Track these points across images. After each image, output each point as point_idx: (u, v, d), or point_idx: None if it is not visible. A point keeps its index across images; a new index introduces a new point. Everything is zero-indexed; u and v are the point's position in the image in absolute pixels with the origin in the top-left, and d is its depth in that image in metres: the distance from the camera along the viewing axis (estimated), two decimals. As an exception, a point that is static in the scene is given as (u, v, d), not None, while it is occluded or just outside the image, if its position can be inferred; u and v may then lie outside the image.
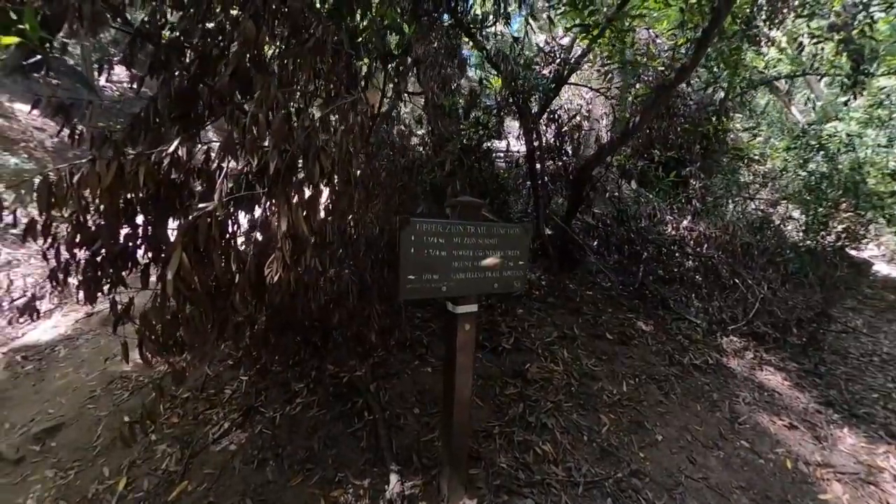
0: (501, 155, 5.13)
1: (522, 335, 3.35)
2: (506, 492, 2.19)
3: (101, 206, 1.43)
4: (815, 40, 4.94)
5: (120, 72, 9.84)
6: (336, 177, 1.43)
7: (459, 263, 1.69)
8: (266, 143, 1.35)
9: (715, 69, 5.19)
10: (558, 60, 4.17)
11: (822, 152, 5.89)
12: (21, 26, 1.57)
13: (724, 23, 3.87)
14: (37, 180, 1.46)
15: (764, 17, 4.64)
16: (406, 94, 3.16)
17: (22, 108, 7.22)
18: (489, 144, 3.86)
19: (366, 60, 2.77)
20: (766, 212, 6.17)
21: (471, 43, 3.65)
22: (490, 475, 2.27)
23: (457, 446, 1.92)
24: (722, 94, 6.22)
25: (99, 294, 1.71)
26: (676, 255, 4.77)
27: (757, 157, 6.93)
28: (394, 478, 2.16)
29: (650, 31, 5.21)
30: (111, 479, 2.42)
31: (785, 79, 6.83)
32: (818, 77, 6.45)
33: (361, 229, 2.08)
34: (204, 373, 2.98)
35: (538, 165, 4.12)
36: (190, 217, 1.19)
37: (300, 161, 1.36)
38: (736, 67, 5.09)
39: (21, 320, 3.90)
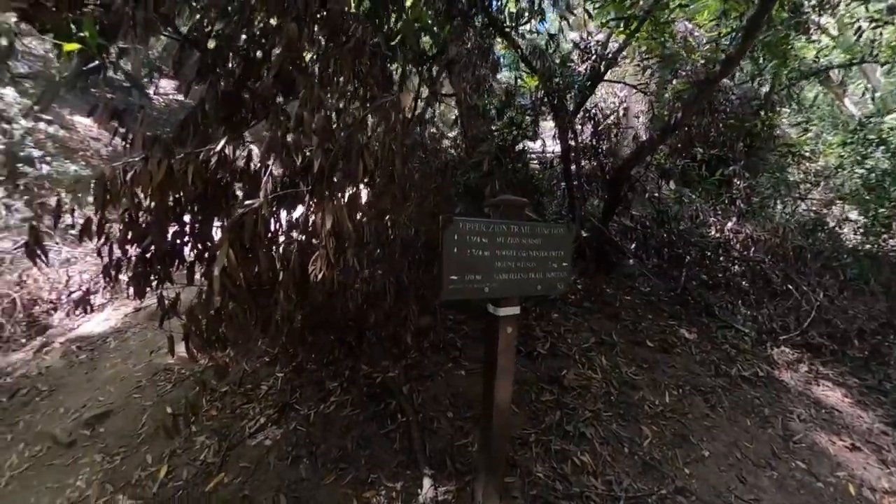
0: (535, 156, 5.02)
1: (558, 340, 3.24)
2: (542, 503, 2.11)
3: (152, 204, 1.47)
4: (873, 24, 4.55)
5: (166, 84, 10.49)
6: (378, 176, 1.41)
7: (502, 264, 1.63)
8: (309, 143, 1.35)
9: (760, 60, 4.88)
10: (594, 57, 4.04)
11: (882, 147, 5.43)
12: (81, 34, 1.66)
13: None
14: (93, 185, 1.54)
15: (814, 2, 4.32)
16: (440, 96, 3.14)
17: (81, 120, 7.89)
18: (524, 145, 3.78)
19: (400, 63, 2.77)
20: (819, 213, 5.74)
21: (504, 42, 3.60)
22: (526, 484, 2.19)
23: (495, 452, 1.86)
24: (767, 88, 5.84)
25: (147, 289, 1.77)
26: (721, 258, 4.50)
27: (808, 154, 6.47)
28: (427, 482, 2.13)
29: (687, 23, 4.97)
30: (153, 467, 2.51)
31: (839, 68, 6.34)
32: (879, 65, 5.94)
33: (397, 230, 2.06)
34: (242, 368, 3.06)
35: (573, 165, 4.00)
36: (236, 214, 1.20)
37: (342, 160, 1.35)
38: (785, 58, 4.77)
39: (77, 313, 4.17)
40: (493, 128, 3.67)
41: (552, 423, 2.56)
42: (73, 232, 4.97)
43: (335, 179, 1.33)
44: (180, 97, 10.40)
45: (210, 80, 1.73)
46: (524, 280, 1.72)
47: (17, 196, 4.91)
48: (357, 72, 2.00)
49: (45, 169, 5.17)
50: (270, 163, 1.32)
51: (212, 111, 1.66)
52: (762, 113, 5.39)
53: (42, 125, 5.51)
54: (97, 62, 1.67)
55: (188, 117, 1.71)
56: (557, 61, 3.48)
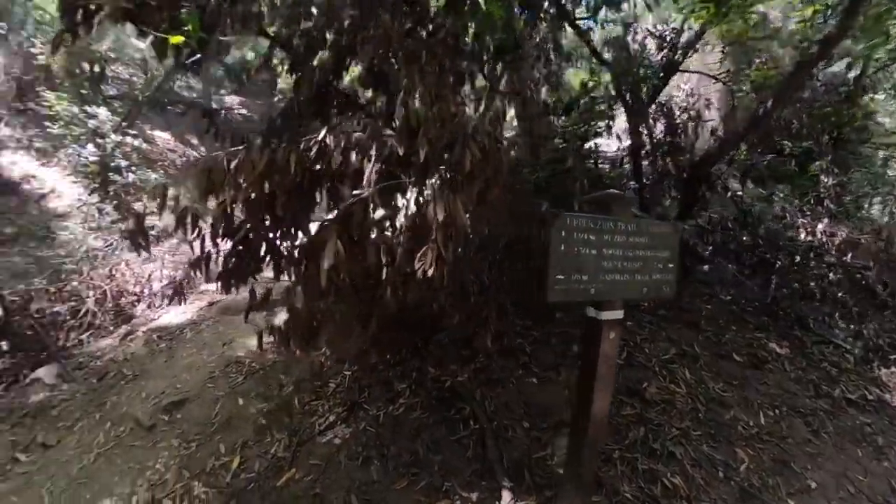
0: (604, 153, 4.76)
1: (635, 350, 3.01)
2: (634, 526, 1.93)
3: (252, 195, 1.47)
4: None
5: (229, 100, 11.23)
6: (479, 168, 1.32)
7: (609, 264, 1.49)
8: (413, 133, 1.30)
9: (851, 41, 4.31)
10: (669, 45, 3.76)
11: None
12: (186, 28, 1.73)
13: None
14: (171, 191, 1.61)
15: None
16: (511, 92, 3.04)
17: (160, 134, 8.87)
18: (595, 142, 3.57)
19: (476, 58, 2.70)
20: (927, 214, 5.03)
21: (576, 35, 3.43)
22: (614, 505, 2.02)
23: (584, 467, 1.71)
24: (856, 71, 5.18)
25: (240, 283, 1.79)
26: (813, 264, 4.01)
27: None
28: (507, 495, 2.01)
29: (760, 6, 4.50)
30: (226, 457, 2.57)
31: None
32: None
33: (480, 228, 1.97)
34: (312, 364, 3.07)
35: (645, 162, 3.75)
36: (344, 205, 1.16)
37: (447, 151, 1.28)
38: (886, 36, 4.20)
39: (158, 304, 4.48)
40: (562, 124, 3.50)
41: (636, 440, 2.35)
42: (152, 232, 5.41)
43: (439, 170, 1.26)
44: (244, 111, 11.14)
45: (302, 72, 1.74)
46: (630, 282, 1.56)
47: (107, 201, 5.48)
48: (442, 64, 1.94)
49: (131, 177, 5.80)
50: (373, 153, 1.27)
51: (305, 104, 1.66)
52: (859, 99, 4.78)
53: (128, 139, 6.25)
54: (198, 56, 1.73)
55: (282, 112, 1.73)
56: (633, 51, 3.26)
